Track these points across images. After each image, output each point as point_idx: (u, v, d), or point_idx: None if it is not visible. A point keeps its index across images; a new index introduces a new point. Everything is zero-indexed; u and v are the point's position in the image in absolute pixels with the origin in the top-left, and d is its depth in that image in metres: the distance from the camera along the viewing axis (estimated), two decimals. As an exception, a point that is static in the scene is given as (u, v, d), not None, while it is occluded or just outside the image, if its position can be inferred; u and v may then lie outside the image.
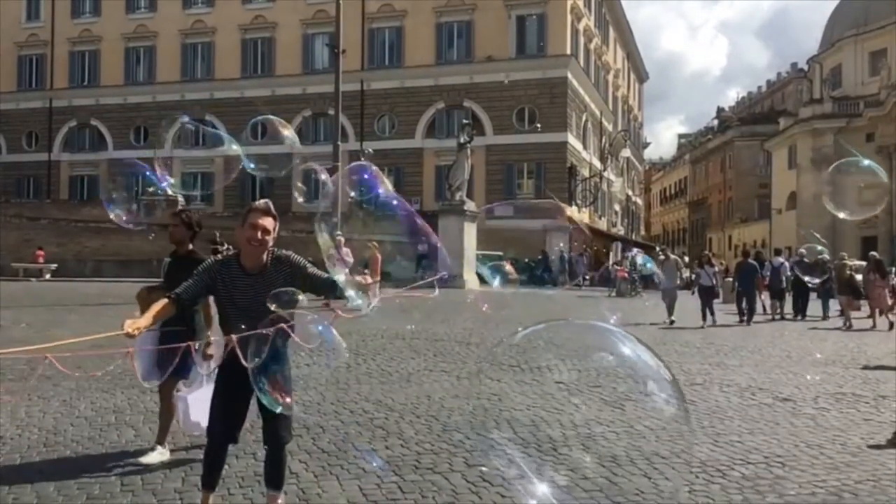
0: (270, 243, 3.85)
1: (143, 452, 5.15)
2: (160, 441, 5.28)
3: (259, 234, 3.76)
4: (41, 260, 33.31)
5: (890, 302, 16.88)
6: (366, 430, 6.14)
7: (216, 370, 4.85)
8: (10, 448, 5.49)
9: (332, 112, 30.85)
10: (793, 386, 8.57)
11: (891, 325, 16.41)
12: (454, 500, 4.54)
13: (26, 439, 5.74)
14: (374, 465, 5.01)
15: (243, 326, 3.61)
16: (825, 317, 18.76)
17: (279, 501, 4.10)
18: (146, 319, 3.58)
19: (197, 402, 4.88)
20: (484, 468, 5.11)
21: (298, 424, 5.72)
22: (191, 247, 5.39)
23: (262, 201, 3.87)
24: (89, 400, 7.02)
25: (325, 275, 3.96)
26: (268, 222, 3.79)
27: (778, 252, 22.36)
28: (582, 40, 45.75)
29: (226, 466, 4.33)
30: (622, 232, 54.98)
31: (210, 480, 4.03)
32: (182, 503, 4.43)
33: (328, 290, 3.94)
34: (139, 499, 4.47)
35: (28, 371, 8.43)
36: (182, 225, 5.34)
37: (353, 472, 5.01)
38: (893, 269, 20.60)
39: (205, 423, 4.67)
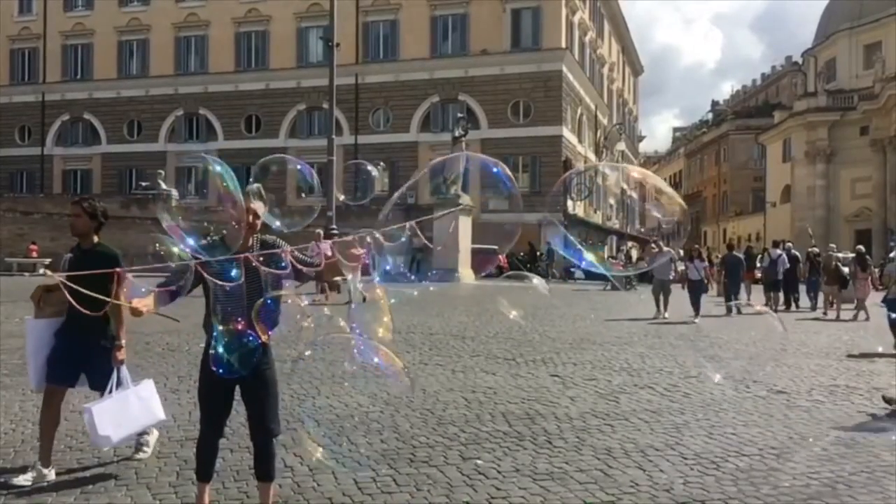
0: (258, 227, 3.86)
1: (137, 447, 5.12)
2: (42, 462, 4.63)
3: (250, 217, 3.77)
4: (35, 254, 33.14)
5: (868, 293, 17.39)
6: (361, 423, 6.14)
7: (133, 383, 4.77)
8: (4, 442, 5.48)
9: (326, 106, 30.75)
10: (787, 378, 8.59)
11: (862, 316, 16.69)
12: (449, 493, 4.54)
13: (20, 434, 5.72)
14: None
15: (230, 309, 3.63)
16: (814, 308, 19.26)
17: (272, 492, 4.09)
18: (148, 303, 3.62)
19: (104, 414, 4.45)
20: (479, 461, 5.12)
21: (293, 418, 5.72)
22: (96, 239, 4.80)
23: (253, 185, 3.88)
24: (83, 394, 6.97)
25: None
26: (258, 206, 3.82)
27: (776, 244, 22.47)
28: (577, 34, 45.70)
29: (220, 460, 4.31)
30: (617, 226, 55.04)
31: (205, 472, 4.03)
32: (176, 497, 4.42)
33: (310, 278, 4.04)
34: (133, 493, 4.46)
35: (22, 366, 8.39)
36: (85, 215, 4.74)
37: (349, 465, 5.00)
38: (885, 260, 20.85)
39: (116, 437, 4.58)
